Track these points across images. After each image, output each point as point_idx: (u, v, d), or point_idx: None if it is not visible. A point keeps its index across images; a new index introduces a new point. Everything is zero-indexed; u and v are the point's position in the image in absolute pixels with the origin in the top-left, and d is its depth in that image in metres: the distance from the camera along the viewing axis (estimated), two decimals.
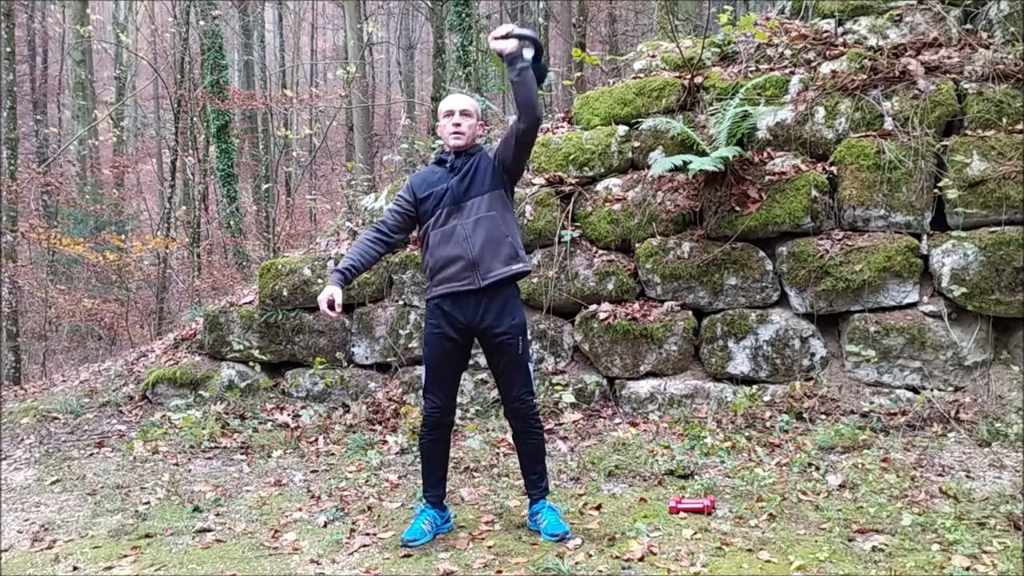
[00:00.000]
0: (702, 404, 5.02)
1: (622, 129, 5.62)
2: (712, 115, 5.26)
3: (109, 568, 3.26)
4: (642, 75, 5.85)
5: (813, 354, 4.96)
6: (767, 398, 4.87)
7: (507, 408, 3.42)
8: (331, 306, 3.23)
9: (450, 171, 3.36)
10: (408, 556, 3.24)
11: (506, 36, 3.14)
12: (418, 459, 4.35)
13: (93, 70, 18.77)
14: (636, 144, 5.58)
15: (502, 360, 3.33)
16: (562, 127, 6.04)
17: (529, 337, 3.50)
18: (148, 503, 4.06)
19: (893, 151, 4.87)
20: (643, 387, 5.16)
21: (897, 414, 4.59)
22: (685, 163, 4.90)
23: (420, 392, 5.40)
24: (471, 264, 3.25)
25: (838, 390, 4.82)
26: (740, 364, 5.06)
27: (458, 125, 3.33)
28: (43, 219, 13.59)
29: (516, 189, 5.61)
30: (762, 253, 5.11)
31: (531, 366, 3.38)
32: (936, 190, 4.79)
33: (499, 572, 3.04)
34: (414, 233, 3.60)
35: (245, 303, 6.17)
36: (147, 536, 3.60)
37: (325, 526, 3.64)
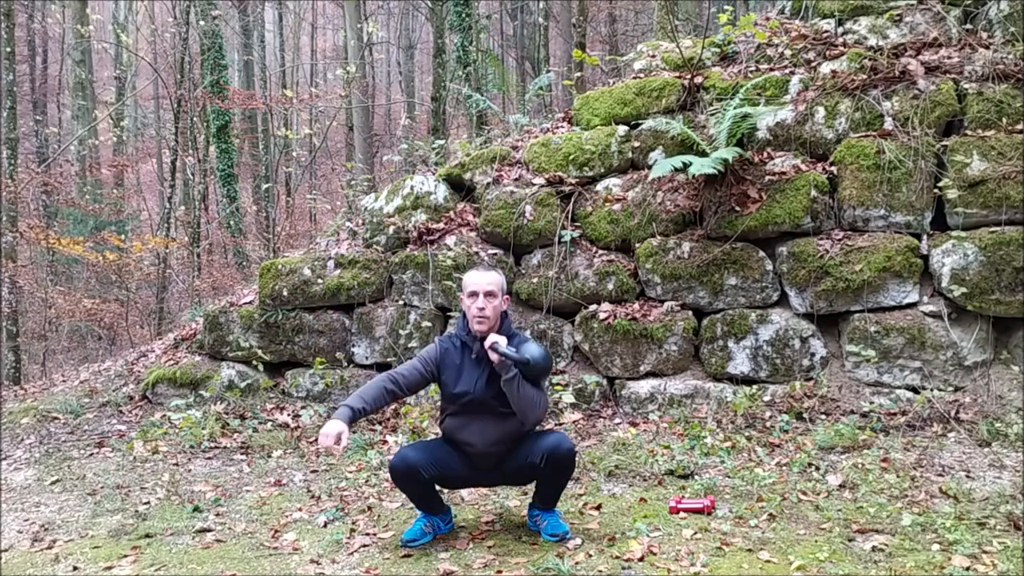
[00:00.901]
0: (702, 404, 5.02)
1: (622, 129, 5.62)
2: (712, 115, 5.26)
3: (109, 568, 3.26)
4: (642, 75, 5.85)
5: (813, 354, 4.96)
6: (767, 398, 4.87)
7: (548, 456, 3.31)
8: (337, 441, 3.09)
9: (475, 360, 3.30)
10: (408, 556, 3.24)
11: (493, 347, 3.15)
12: None
13: (93, 70, 18.78)
14: (636, 144, 5.58)
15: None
16: (562, 127, 6.04)
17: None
18: (148, 503, 4.06)
19: (893, 151, 4.87)
20: (643, 387, 5.16)
21: (897, 414, 4.59)
22: (685, 165, 4.90)
23: (421, 392, 5.41)
24: (485, 454, 3.31)
25: (838, 390, 4.82)
26: (740, 364, 5.06)
27: (482, 309, 3.26)
28: (43, 219, 13.59)
29: (516, 190, 5.63)
30: (762, 253, 5.11)
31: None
32: (936, 190, 4.79)
33: (499, 572, 3.04)
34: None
35: (245, 303, 6.17)
36: (147, 536, 3.60)
37: (325, 526, 3.64)
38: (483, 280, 3.30)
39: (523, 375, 3.16)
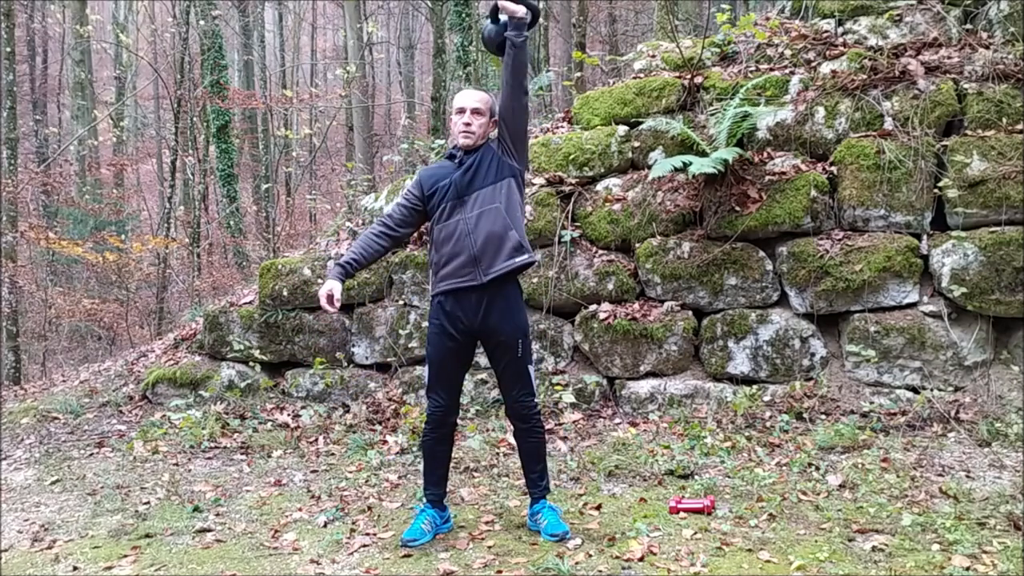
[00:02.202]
0: (702, 404, 5.02)
1: (622, 129, 5.62)
2: (712, 115, 5.26)
3: (109, 568, 3.26)
4: (642, 75, 5.85)
5: (813, 354, 4.96)
6: (767, 398, 4.87)
7: (508, 408, 3.43)
8: (330, 301, 3.23)
9: (457, 166, 3.35)
10: (408, 556, 3.24)
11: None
12: (418, 459, 4.36)
13: (93, 70, 18.77)
14: (636, 144, 5.58)
15: (503, 361, 3.33)
16: (562, 127, 6.04)
17: (531, 337, 3.49)
18: (148, 503, 4.06)
19: (893, 151, 4.87)
20: (643, 387, 5.16)
21: (897, 414, 4.59)
22: (685, 164, 4.90)
23: (421, 391, 5.41)
24: (473, 260, 3.24)
25: (838, 390, 4.82)
26: (740, 364, 5.06)
27: (468, 124, 3.31)
28: (42, 219, 13.59)
29: None
30: (762, 253, 5.11)
31: (532, 368, 3.38)
32: (936, 190, 4.79)
33: (499, 572, 3.04)
34: (424, 226, 3.60)
35: (245, 303, 6.17)
36: (147, 536, 3.60)
37: (325, 526, 3.64)
38: (471, 97, 3.35)
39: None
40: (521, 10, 3.16)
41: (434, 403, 3.38)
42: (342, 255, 5.77)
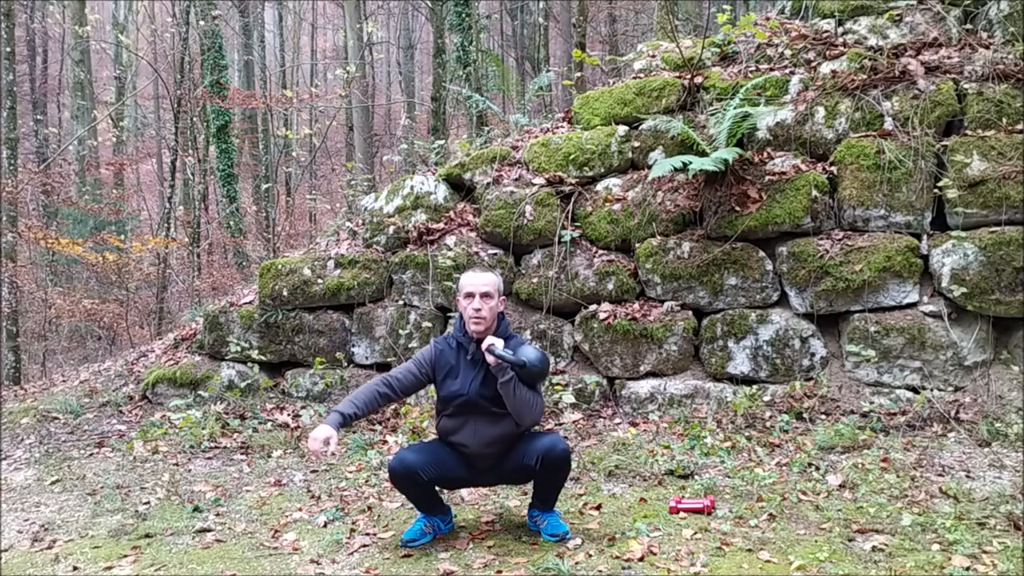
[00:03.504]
0: (702, 404, 5.02)
1: (622, 129, 5.62)
2: (712, 115, 5.26)
3: (109, 568, 3.26)
4: (642, 75, 5.85)
5: (813, 354, 4.96)
6: (767, 398, 4.87)
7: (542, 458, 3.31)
8: (326, 444, 3.11)
9: (471, 362, 3.29)
10: (408, 556, 3.24)
11: (489, 350, 3.14)
12: None
13: (93, 70, 18.77)
14: (636, 144, 5.58)
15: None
16: (562, 127, 6.04)
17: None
18: (148, 503, 4.06)
19: (893, 151, 4.87)
20: (643, 387, 5.16)
21: (897, 414, 4.59)
22: (685, 164, 4.90)
23: (421, 391, 5.41)
24: (480, 455, 3.30)
25: (838, 390, 4.82)
26: (740, 364, 5.06)
27: (478, 311, 3.25)
28: (42, 219, 13.59)
29: (516, 190, 5.63)
30: (762, 253, 5.11)
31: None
32: (936, 190, 4.79)
33: (499, 572, 3.04)
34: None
35: (245, 303, 6.17)
36: (147, 536, 3.60)
37: (325, 526, 3.64)
38: (479, 281, 3.28)
39: (519, 378, 3.15)
40: (490, 360, 3.14)
41: (404, 462, 3.25)
42: (342, 255, 5.81)
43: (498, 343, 3.16)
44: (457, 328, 3.39)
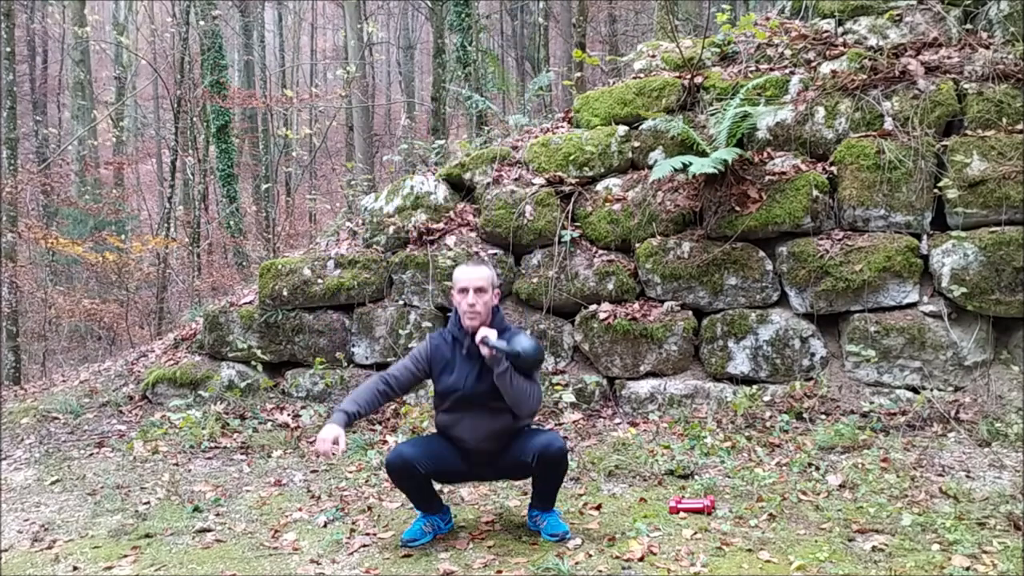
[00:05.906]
0: (702, 404, 5.02)
1: (622, 129, 5.62)
2: (712, 115, 5.26)
3: (109, 568, 3.26)
4: (642, 75, 5.85)
5: (813, 354, 4.96)
6: (767, 398, 4.87)
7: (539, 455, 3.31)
8: (336, 443, 3.11)
9: (466, 356, 3.30)
10: (408, 556, 3.24)
11: (483, 341, 3.14)
12: None
13: (93, 70, 18.77)
14: (636, 144, 5.58)
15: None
16: (562, 127, 6.04)
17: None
18: (148, 503, 4.06)
19: (893, 151, 4.87)
20: (643, 387, 5.16)
21: (897, 414, 4.59)
22: (685, 165, 4.90)
23: (421, 391, 5.41)
24: (478, 449, 3.31)
25: (838, 390, 4.82)
26: (740, 364, 5.06)
27: (472, 305, 3.25)
28: (42, 219, 13.58)
29: (516, 189, 5.63)
30: (762, 253, 5.11)
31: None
32: (936, 190, 4.79)
33: (499, 572, 3.04)
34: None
35: (245, 303, 6.17)
36: (147, 536, 3.60)
37: (325, 526, 3.64)
38: (473, 275, 3.29)
39: (515, 367, 3.15)
40: (484, 352, 3.15)
41: (399, 454, 3.28)
42: (342, 255, 5.81)
43: (492, 334, 3.17)
44: (452, 323, 3.40)
